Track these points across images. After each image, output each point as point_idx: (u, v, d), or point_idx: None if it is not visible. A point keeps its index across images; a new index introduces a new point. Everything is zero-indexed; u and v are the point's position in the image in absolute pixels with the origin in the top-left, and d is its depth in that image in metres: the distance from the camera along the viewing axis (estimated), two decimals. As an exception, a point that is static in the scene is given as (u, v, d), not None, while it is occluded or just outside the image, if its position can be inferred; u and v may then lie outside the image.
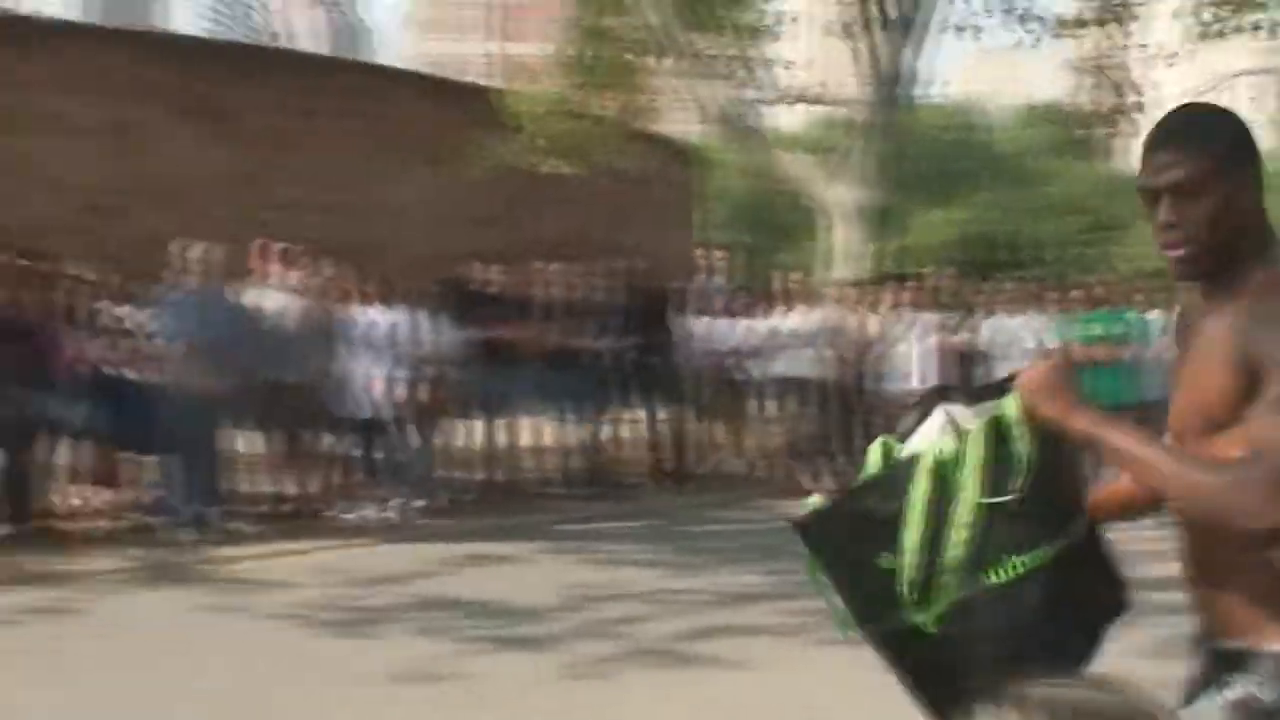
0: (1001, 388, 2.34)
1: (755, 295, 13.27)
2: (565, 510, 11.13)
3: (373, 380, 10.20)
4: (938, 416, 2.31)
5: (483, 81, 26.11)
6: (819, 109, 25.72)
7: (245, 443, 10.34)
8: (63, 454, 9.71)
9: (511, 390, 11.27)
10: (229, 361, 9.46)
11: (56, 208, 15.70)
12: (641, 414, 12.62)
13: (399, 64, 27.94)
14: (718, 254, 14.02)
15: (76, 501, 9.80)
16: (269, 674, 6.34)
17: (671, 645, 6.97)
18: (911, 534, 2.20)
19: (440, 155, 17.45)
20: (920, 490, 2.20)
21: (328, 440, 10.39)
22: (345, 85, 18.62)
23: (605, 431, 12.29)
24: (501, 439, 11.68)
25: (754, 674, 6.40)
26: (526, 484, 11.73)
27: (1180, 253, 2.38)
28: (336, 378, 10.14)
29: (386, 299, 10.47)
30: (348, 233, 15.54)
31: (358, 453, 10.48)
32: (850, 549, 2.26)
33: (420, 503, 10.47)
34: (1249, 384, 2.20)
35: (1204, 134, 2.39)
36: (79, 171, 15.95)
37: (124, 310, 9.76)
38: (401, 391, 10.37)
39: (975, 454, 2.23)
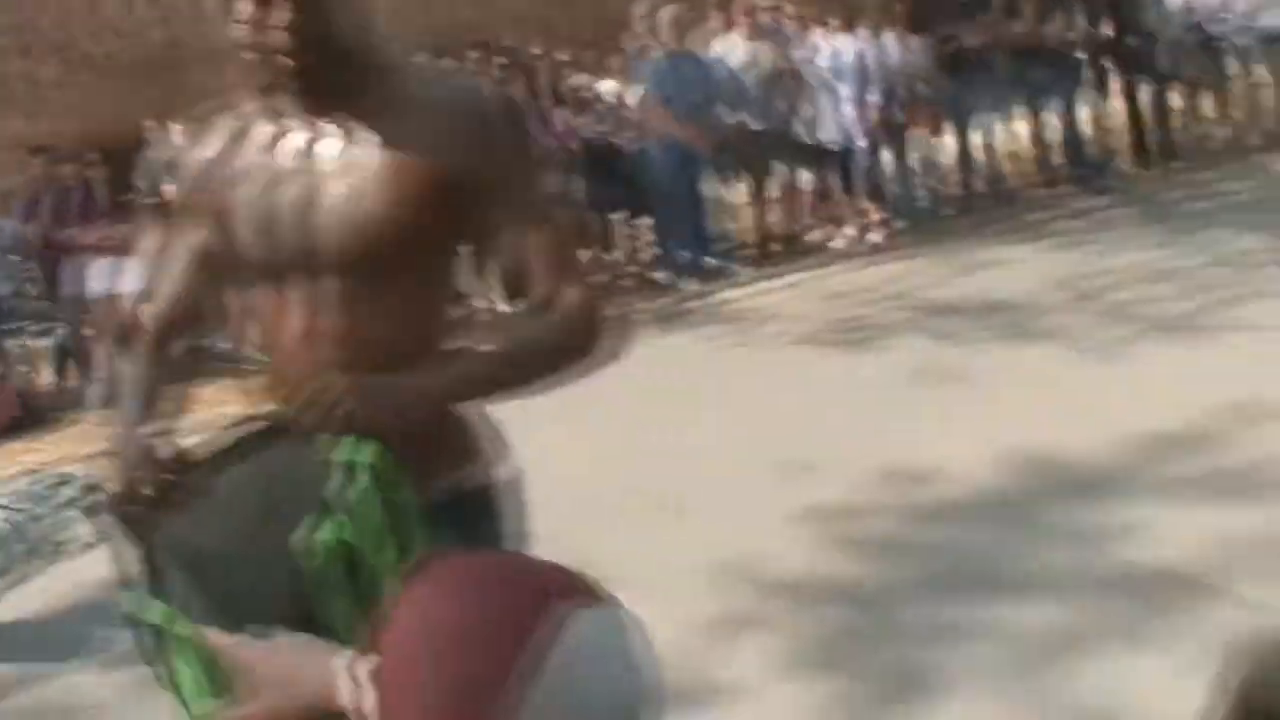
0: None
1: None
2: (1050, 206, 10.93)
3: (842, 108, 10.31)
4: None
5: None
6: None
7: (727, 190, 10.77)
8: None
9: (984, 96, 11.07)
10: (704, 116, 9.80)
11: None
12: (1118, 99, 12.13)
13: None
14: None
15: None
16: (792, 394, 6.71)
17: (1183, 320, 6.95)
18: None
19: None
20: None
21: (805, 175, 10.62)
22: None
23: (1082, 118, 11.86)
24: (978, 147, 11.50)
25: (1273, 334, 6.27)
26: (1008, 189, 11.54)
27: (286, 39, 1.84)
28: (807, 113, 10.30)
29: (850, 26, 10.48)
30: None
31: (836, 181, 10.64)
32: None
33: (902, 222, 10.61)
34: (452, 210, 1.93)
35: None
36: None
37: (603, 84, 10.29)
38: (874, 115, 10.42)
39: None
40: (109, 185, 9.82)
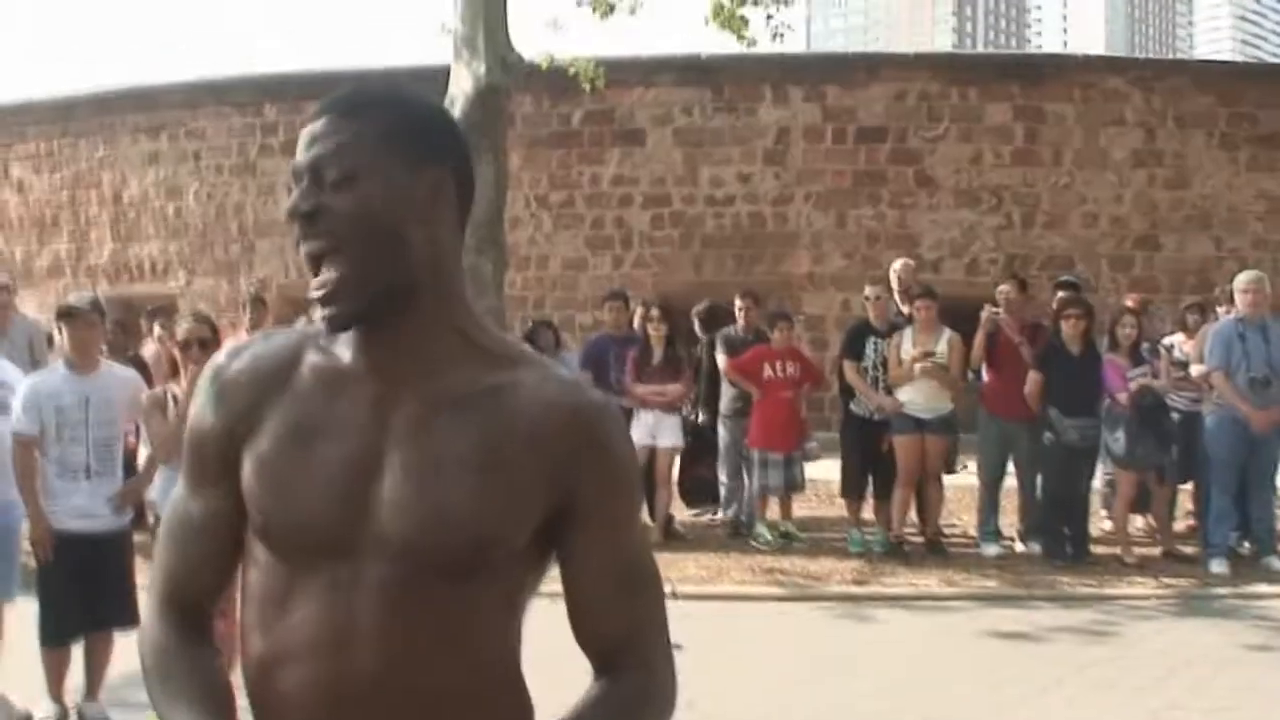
0: None
1: None
2: None
3: None
4: None
5: None
6: None
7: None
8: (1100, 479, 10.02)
9: None
10: (1266, 393, 9.17)
11: (1090, 236, 16.31)
12: None
13: None
14: None
15: (1109, 526, 10.03)
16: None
17: None
18: None
19: None
20: None
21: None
22: None
23: None
24: None
25: None
26: None
27: (335, 275, 1.66)
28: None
29: None
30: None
31: None
32: None
33: None
34: (535, 520, 1.69)
35: (386, 106, 1.72)
36: (1114, 201, 16.41)
37: (1170, 338, 9.88)
38: None
39: None
40: (664, 343, 10.21)
